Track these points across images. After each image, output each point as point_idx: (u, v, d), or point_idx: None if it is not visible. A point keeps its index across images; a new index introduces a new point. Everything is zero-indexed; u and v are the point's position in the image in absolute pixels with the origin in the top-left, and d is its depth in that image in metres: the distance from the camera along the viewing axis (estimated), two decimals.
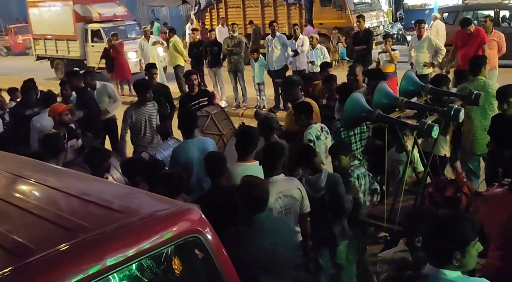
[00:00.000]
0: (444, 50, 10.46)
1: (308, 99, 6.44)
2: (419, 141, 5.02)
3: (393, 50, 10.46)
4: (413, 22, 15.58)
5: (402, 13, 24.94)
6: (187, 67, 13.27)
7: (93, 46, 18.28)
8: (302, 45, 11.99)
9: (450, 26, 15.46)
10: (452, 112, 4.35)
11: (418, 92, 5.05)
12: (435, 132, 4.17)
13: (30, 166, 3.85)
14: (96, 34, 18.37)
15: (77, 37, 18.76)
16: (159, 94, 7.83)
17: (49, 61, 20.57)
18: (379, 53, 10.84)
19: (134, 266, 2.54)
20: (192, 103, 7.57)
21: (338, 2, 17.57)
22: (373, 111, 4.47)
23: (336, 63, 16.89)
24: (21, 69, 22.23)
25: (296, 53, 12.03)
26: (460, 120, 4.51)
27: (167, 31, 15.06)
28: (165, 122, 7.71)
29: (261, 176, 4.33)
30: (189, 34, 18.60)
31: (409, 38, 19.28)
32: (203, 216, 2.79)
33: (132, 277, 2.57)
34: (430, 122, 4.23)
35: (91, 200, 2.87)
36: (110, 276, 2.41)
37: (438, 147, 5.36)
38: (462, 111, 4.37)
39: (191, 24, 21.04)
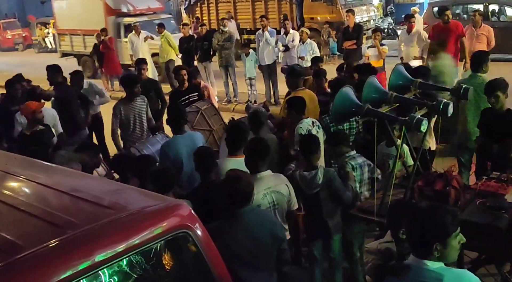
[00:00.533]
0: None
1: (306, 91, 6.55)
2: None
3: (381, 45, 10.47)
4: (403, 16, 15.63)
5: (393, 7, 25.02)
6: (179, 61, 13.26)
7: (126, 42, 16.14)
8: (292, 40, 11.99)
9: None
10: (441, 107, 4.34)
11: (407, 87, 5.00)
12: (424, 127, 4.16)
13: (19, 162, 3.84)
14: (129, 28, 16.34)
15: (108, 32, 16.60)
16: (148, 90, 7.79)
17: (75, 58, 18.82)
18: (368, 47, 10.86)
19: (123, 262, 2.54)
20: (182, 99, 7.54)
21: None
22: (362, 106, 4.46)
23: (327, 58, 16.91)
24: (11, 65, 22.09)
25: (286, 48, 12.03)
26: (449, 115, 4.47)
27: (157, 26, 14.98)
28: (159, 119, 7.68)
29: None
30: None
31: (399, 32, 19.33)
32: (192, 211, 2.80)
33: (121, 272, 2.58)
34: (419, 116, 4.22)
35: (80, 196, 2.86)
36: (99, 272, 2.42)
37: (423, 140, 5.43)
38: (451, 105, 4.36)
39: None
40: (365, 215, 4.70)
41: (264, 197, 4.13)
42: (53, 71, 7.88)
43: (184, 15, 22.45)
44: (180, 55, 13.78)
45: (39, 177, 3.25)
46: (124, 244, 2.45)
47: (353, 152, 5.19)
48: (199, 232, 2.74)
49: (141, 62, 8.64)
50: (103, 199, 2.81)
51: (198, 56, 13.40)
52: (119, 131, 7.00)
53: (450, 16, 10.03)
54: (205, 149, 4.80)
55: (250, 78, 12.51)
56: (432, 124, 5.71)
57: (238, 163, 4.51)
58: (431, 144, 6.00)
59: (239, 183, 3.48)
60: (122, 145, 6.97)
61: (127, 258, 2.53)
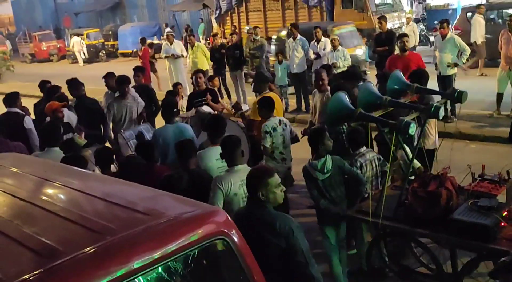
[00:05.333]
0: (468, 51, 10.29)
1: (272, 94, 7.23)
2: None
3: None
4: (436, 22, 15.39)
5: (424, 13, 24.68)
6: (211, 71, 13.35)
7: None
8: (324, 48, 11.94)
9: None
10: (432, 110, 4.51)
11: (404, 91, 5.24)
12: (412, 129, 4.31)
13: (57, 169, 3.90)
14: None
15: None
16: (142, 94, 8.46)
17: None
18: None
19: (160, 269, 2.53)
20: (198, 99, 8.25)
21: (359, 3, 17.47)
22: (355, 110, 4.64)
23: None
24: (48, 76, 22.56)
25: (318, 56, 11.98)
26: (440, 118, 4.66)
27: (188, 36, 15.10)
28: (151, 120, 8.59)
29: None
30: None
31: (431, 38, 19.04)
32: (229, 218, 2.78)
33: (158, 279, 2.57)
34: (407, 119, 4.39)
35: (118, 202, 2.87)
36: (136, 279, 2.40)
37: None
38: (442, 108, 4.53)
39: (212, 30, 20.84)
40: (361, 216, 4.90)
41: (241, 187, 4.47)
42: (71, 85, 8.45)
43: (214, 24, 22.66)
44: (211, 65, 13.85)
45: (77, 183, 3.28)
46: (161, 251, 2.44)
47: (363, 148, 5.47)
48: (236, 239, 2.72)
49: (138, 69, 9.65)
50: (140, 205, 2.81)
51: (229, 65, 13.44)
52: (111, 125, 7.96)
53: (408, 44, 9.12)
54: (184, 141, 5.40)
55: (281, 86, 12.50)
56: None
57: (215, 150, 5.20)
58: (428, 144, 6.11)
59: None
60: (112, 137, 7.89)
61: (164, 265, 2.51)
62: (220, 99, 8.89)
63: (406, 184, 4.79)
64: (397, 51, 10.03)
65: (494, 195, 4.42)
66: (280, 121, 6.27)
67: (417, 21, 22.16)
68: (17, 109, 7.67)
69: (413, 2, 25.20)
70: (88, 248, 2.32)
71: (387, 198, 4.73)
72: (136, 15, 34.51)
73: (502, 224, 4.14)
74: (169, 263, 2.53)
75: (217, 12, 21.37)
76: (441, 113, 4.50)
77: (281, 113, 7.15)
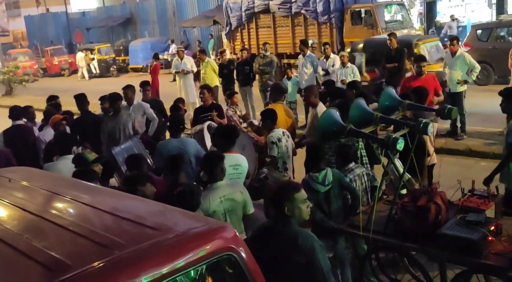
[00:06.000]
0: (478, 68, 10.29)
1: (283, 105, 7.58)
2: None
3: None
4: (446, 39, 15.37)
5: (434, 30, 24.69)
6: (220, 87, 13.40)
7: None
8: (333, 65, 11.97)
9: (483, 43, 15.25)
10: (421, 126, 4.58)
11: (396, 108, 5.28)
12: (400, 145, 4.37)
13: (66, 183, 3.92)
14: None
15: None
16: (152, 108, 8.72)
17: None
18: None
19: None
20: (205, 114, 8.34)
21: (369, 20, 17.48)
22: (345, 126, 4.70)
23: None
24: (56, 90, 22.77)
25: (327, 72, 12.00)
26: (429, 134, 4.76)
27: (198, 52, 15.18)
28: (162, 133, 8.76)
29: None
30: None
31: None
32: (237, 234, 2.79)
33: None
34: (394, 136, 4.45)
35: (126, 217, 2.89)
36: None
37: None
38: (431, 125, 4.62)
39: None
40: (352, 230, 4.91)
41: (220, 203, 4.60)
42: (77, 101, 8.58)
43: (225, 40, 22.79)
44: (220, 80, 13.91)
45: (86, 198, 3.30)
46: (169, 266, 2.45)
47: (352, 164, 5.57)
48: (243, 255, 2.72)
49: (145, 84, 9.84)
50: (148, 220, 2.82)
51: (239, 80, 13.49)
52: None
53: (424, 69, 8.79)
54: (173, 156, 5.80)
55: (290, 102, 12.49)
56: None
57: (232, 157, 5.49)
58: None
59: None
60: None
61: (171, 281, 2.51)
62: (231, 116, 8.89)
63: (397, 198, 4.86)
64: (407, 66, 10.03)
65: (482, 209, 4.47)
66: (283, 133, 6.51)
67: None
68: (22, 122, 8.02)
69: (453, 19, 24.87)
70: (97, 263, 2.33)
71: (379, 212, 4.79)
72: (147, 30, 34.72)
73: (490, 238, 4.19)
74: (177, 278, 2.53)
75: (227, 28, 21.49)
76: (430, 129, 4.61)
77: (287, 126, 7.27)
